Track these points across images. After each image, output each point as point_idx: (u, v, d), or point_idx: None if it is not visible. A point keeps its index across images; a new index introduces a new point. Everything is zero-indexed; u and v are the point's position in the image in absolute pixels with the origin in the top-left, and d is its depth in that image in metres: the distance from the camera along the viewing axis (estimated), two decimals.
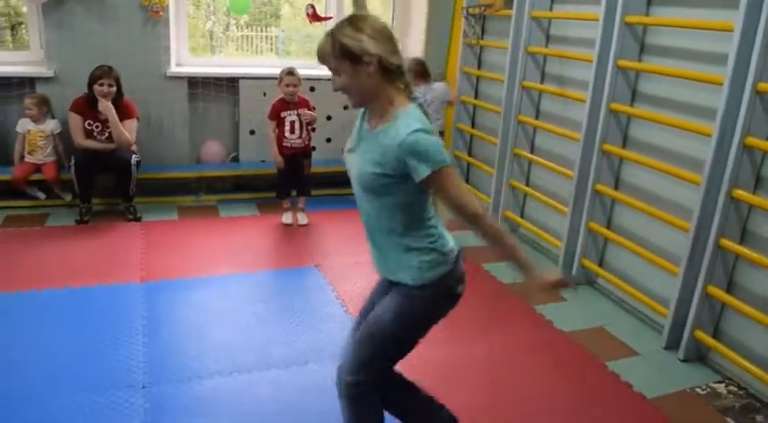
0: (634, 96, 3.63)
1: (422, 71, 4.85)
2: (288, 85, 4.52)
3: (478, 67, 5.30)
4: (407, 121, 1.76)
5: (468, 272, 1.98)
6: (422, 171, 1.74)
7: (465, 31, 5.22)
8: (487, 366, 2.99)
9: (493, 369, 2.97)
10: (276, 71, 4.71)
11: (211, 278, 3.78)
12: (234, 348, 3.03)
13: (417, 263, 1.89)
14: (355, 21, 1.79)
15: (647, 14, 3.49)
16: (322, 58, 1.83)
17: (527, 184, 4.67)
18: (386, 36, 1.79)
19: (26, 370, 2.75)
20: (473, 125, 5.43)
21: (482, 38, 5.16)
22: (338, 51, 1.76)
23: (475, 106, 5.36)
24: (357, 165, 1.88)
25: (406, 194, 1.83)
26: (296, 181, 4.74)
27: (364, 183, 1.86)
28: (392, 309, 1.94)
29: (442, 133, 4.99)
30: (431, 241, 1.90)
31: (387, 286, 2.04)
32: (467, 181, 5.56)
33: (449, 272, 1.92)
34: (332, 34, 1.78)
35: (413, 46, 5.70)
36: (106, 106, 4.42)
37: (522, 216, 4.74)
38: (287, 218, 4.77)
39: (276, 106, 4.62)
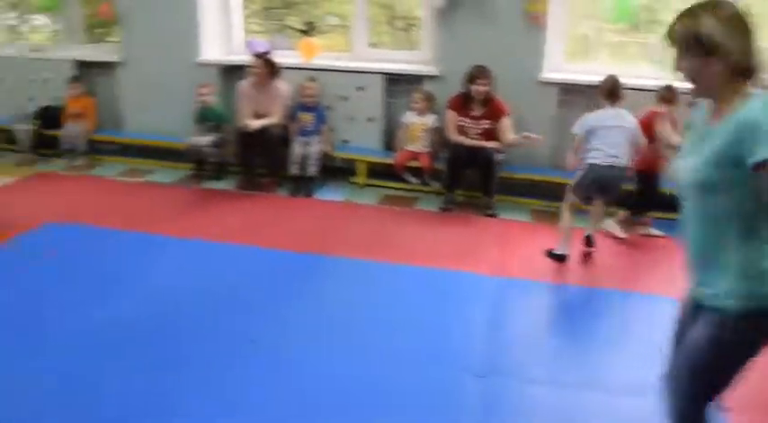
0: None
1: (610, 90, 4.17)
2: None
3: None
4: (759, 102, 1.56)
5: None
6: (757, 153, 1.50)
7: None
8: None
9: None
10: (649, 82, 4.53)
11: (558, 286, 3.82)
12: (568, 360, 3.01)
13: (744, 287, 1.63)
14: (713, 7, 1.61)
15: None
16: (670, 39, 1.67)
17: None
18: (743, 30, 1.60)
19: (371, 334, 3.13)
20: None
21: None
22: (688, 38, 1.61)
23: None
24: (691, 166, 1.68)
25: (745, 193, 1.59)
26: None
27: (696, 182, 1.66)
28: (706, 339, 1.71)
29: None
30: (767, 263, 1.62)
31: (694, 310, 1.80)
32: None
33: None
34: (686, 18, 1.63)
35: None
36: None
37: None
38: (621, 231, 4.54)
39: None
